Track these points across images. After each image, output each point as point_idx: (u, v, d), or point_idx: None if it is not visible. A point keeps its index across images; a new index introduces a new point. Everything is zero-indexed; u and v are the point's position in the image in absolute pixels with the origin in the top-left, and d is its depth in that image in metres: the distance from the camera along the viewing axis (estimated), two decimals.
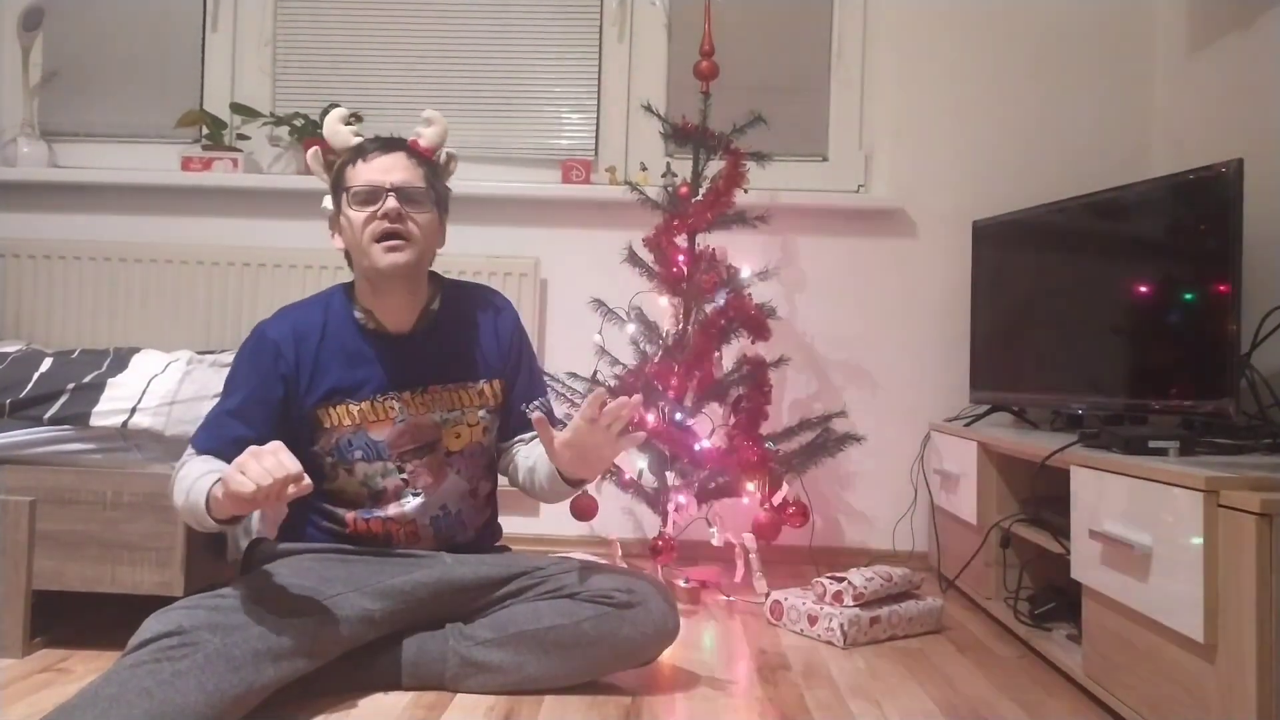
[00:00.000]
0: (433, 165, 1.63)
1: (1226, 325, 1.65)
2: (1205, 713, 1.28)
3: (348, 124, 1.63)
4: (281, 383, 1.56)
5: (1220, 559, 1.26)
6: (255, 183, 2.72)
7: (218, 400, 1.58)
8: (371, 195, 1.53)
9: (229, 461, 1.38)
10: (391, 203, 1.52)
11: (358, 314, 1.62)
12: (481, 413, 1.66)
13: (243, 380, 1.56)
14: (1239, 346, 1.66)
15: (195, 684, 1.23)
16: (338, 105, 2.69)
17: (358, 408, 1.58)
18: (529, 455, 1.67)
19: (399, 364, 1.60)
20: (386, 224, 1.52)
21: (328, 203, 1.63)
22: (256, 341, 1.58)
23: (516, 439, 1.73)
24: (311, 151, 1.63)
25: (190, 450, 1.53)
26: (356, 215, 1.54)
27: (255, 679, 1.29)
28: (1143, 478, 1.42)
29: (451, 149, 1.72)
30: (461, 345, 1.66)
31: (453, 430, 1.63)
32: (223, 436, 1.50)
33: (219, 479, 1.33)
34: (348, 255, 1.63)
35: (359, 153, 1.58)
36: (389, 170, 1.55)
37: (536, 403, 1.71)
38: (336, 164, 1.61)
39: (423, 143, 1.63)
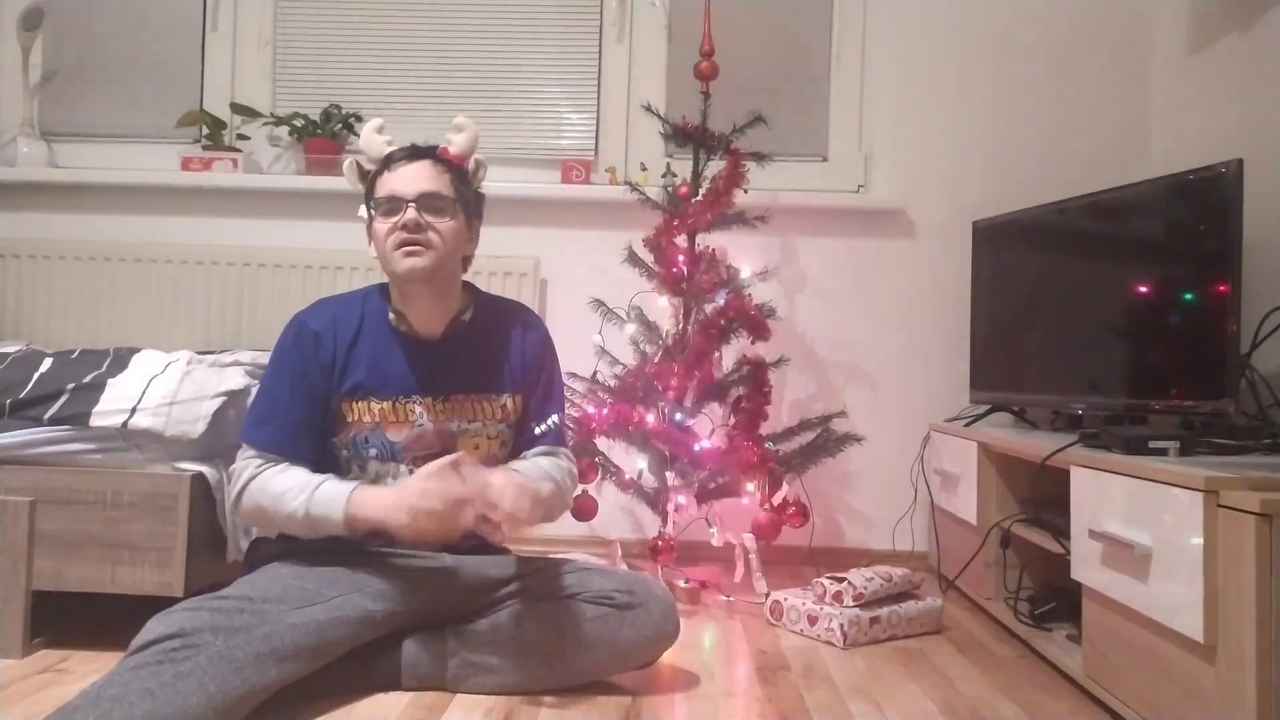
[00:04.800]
0: (460, 172, 1.64)
1: (1226, 325, 1.65)
2: (1205, 713, 1.28)
3: (380, 133, 1.66)
4: (321, 371, 1.58)
5: (1220, 559, 1.26)
6: (255, 183, 2.72)
7: (261, 388, 1.61)
8: (393, 206, 1.56)
9: (302, 458, 1.54)
10: (411, 213, 1.54)
11: (391, 316, 1.64)
12: (501, 426, 1.67)
13: (289, 370, 1.58)
14: (1239, 346, 1.66)
15: (197, 685, 1.23)
16: (338, 106, 2.72)
17: (379, 406, 1.59)
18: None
19: (425, 368, 1.62)
20: (405, 234, 1.54)
21: (363, 211, 1.66)
22: (299, 331, 1.60)
23: (521, 457, 1.74)
24: (348, 163, 1.68)
25: (249, 451, 1.55)
26: (381, 225, 1.57)
27: (257, 680, 1.29)
28: (1143, 478, 1.42)
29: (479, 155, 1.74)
30: (488, 357, 1.67)
31: (471, 441, 1.64)
32: (285, 429, 1.55)
33: (355, 488, 1.49)
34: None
35: (388, 162, 1.60)
36: (413, 179, 1.57)
37: (549, 422, 1.72)
38: (370, 174, 1.64)
39: (452, 149, 1.65)
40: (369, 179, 1.63)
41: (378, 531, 1.47)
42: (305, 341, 1.58)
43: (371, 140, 1.65)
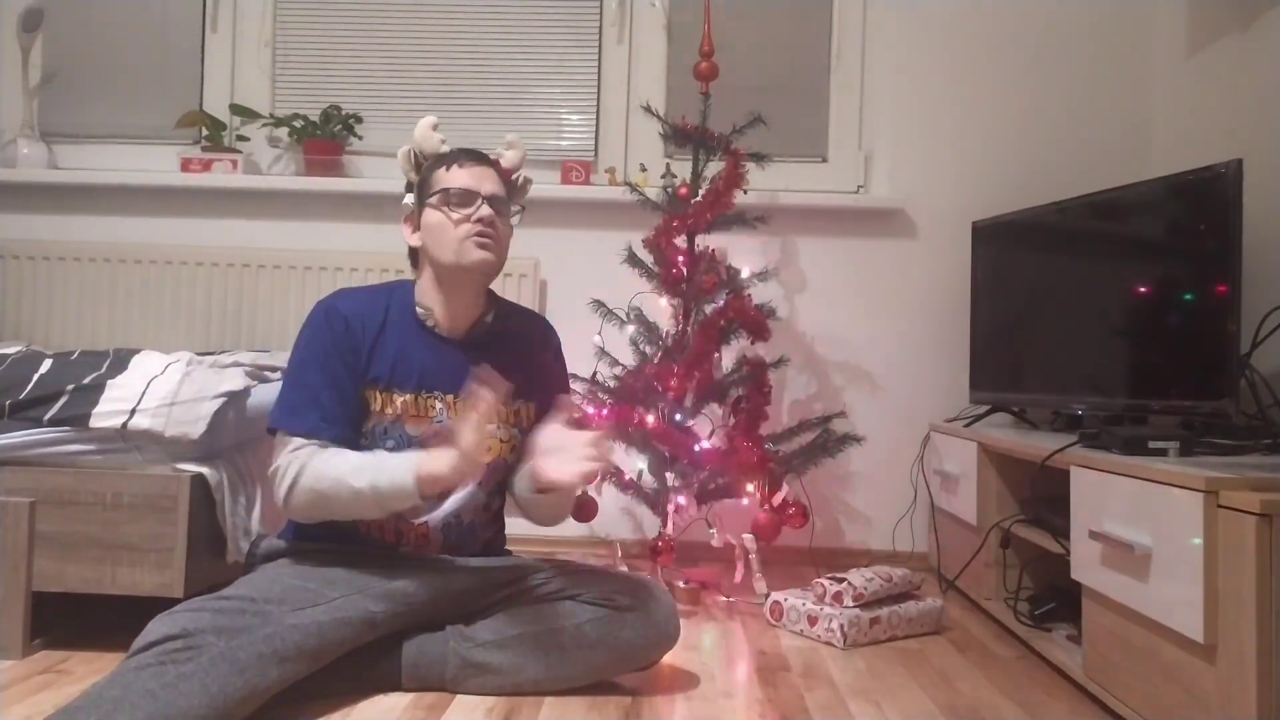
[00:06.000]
0: (510, 185, 1.72)
1: (1226, 325, 1.65)
2: (1205, 713, 1.28)
3: (435, 130, 1.71)
4: (353, 354, 1.57)
5: (1220, 559, 1.26)
6: (254, 184, 2.72)
7: (293, 374, 1.58)
8: (468, 198, 1.60)
9: (345, 440, 1.54)
10: (486, 209, 1.60)
11: (419, 310, 1.64)
12: (514, 431, 1.68)
13: (322, 352, 1.56)
14: (1239, 346, 1.66)
15: (199, 686, 1.23)
16: (338, 107, 2.72)
17: (401, 399, 1.58)
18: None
19: (448, 365, 1.62)
20: (481, 226, 1.59)
21: (409, 200, 1.70)
22: (328, 315, 1.58)
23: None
24: (404, 150, 1.71)
25: (293, 443, 1.51)
26: (448, 215, 1.59)
27: (259, 681, 1.29)
28: (1142, 478, 1.42)
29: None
30: (508, 362, 1.67)
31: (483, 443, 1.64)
32: (327, 413, 1.53)
33: (416, 456, 1.47)
34: (413, 253, 1.68)
35: (451, 159, 1.64)
36: (482, 180, 1.62)
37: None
38: (425, 166, 1.68)
39: (504, 163, 1.71)
40: (423, 170, 1.67)
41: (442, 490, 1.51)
42: (336, 323, 1.57)
43: (428, 136, 1.70)
